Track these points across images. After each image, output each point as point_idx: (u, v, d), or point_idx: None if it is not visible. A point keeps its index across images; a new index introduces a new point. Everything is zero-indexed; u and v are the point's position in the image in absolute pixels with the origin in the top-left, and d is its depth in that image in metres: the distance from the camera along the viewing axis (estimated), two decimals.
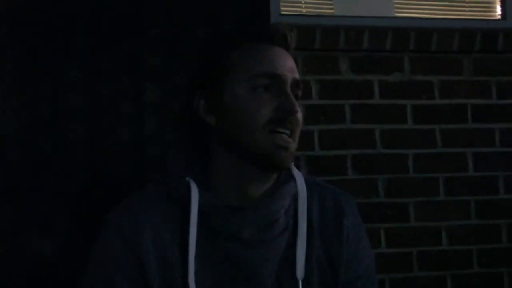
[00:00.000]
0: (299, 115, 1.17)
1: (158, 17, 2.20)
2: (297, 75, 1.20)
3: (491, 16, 2.68)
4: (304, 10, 2.54)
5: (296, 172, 1.25)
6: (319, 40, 2.38)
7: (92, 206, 2.04)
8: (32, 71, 2.10)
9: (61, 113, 2.11)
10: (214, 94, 1.19)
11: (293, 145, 1.17)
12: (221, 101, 1.18)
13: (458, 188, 2.47)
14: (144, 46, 2.18)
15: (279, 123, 1.14)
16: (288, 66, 1.18)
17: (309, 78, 2.39)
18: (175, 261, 1.15)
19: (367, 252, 1.30)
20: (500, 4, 2.66)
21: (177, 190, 1.18)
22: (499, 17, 2.66)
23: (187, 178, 1.18)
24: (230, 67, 1.18)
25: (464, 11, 2.67)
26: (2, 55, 2.09)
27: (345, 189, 2.27)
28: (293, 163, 1.25)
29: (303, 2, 2.54)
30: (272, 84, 1.16)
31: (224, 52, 1.20)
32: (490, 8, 2.68)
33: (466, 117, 2.50)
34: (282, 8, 2.47)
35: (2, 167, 2.06)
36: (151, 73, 2.16)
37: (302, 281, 1.19)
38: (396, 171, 2.43)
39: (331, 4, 2.55)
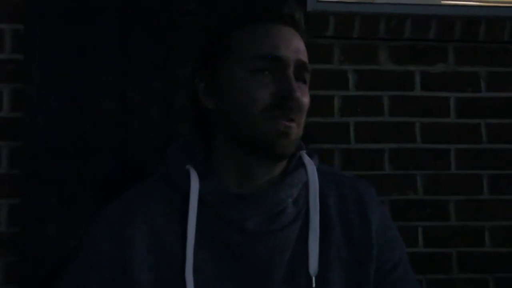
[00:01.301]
0: (304, 100, 1.10)
1: None
2: (303, 57, 1.11)
3: None
4: None
5: (307, 160, 1.17)
6: (358, 28, 2.29)
7: None
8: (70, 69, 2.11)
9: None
10: (214, 77, 1.13)
11: (296, 131, 1.10)
12: (221, 84, 1.12)
13: (504, 186, 2.33)
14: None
15: (278, 109, 1.07)
16: (293, 46, 1.10)
17: (346, 68, 2.30)
18: (174, 253, 1.10)
19: (399, 241, 1.22)
20: None
21: (177, 179, 1.13)
22: None
23: (187, 166, 1.13)
24: (231, 48, 1.11)
25: None
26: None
27: (381, 184, 2.28)
28: (304, 151, 1.19)
29: None
30: (273, 66, 1.08)
31: (225, 32, 1.13)
32: None
33: None
34: None
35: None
36: None
37: (316, 278, 1.10)
38: (436, 167, 2.32)
39: None
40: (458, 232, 2.30)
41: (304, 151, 1.19)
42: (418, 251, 2.27)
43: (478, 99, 2.36)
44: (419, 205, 2.29)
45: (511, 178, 2.34)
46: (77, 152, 2.12)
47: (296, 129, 1.09)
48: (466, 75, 2.36)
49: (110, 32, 2.15)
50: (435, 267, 2.28)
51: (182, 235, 1.09)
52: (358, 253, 1.14)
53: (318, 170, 1.18)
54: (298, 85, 1.10)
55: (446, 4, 2.45)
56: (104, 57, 2.15)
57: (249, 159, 1.11)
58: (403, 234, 2.23)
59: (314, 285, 1.10)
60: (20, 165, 2.09)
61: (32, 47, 2.10)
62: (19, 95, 2.11)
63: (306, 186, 1.15)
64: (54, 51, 2.12)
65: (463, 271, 2.29)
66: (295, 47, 1.10)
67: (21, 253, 2.07)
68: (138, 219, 1.11)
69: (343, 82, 2.29)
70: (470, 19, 2.34)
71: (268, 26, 1.11)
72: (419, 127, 2.32)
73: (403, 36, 2.32)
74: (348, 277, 1.13)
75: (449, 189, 2.31)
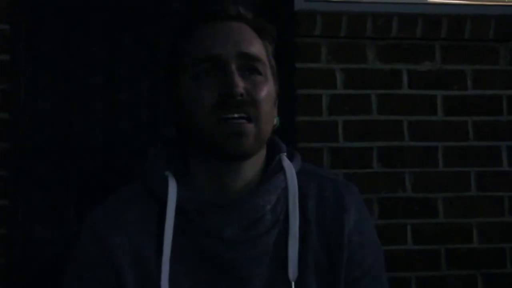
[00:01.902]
0: (257, 93, 1.06)
1: None
2: (246, 47, 1.07)
3: None
4: None
5: (287, 164, 1.14)
6: (345, 27, 2.30)
7: None
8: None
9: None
10: (172, 89, 1.12)
11: (253, 129, 1.05)
12: (176, 96, 1.11)
13: (491, 183, 2.35)
14: None
15: (224, 109, 1.04)
16: (231, 40, 1.07)
17: (334, 66, 2.30)
18: (152, 261, 1.08)
19: (373, 247, 1.17)
20: None
21: (155, 186, 1.11)
22: None
23: (166, 173, 1.11)
24: (180, 54, 1.10)
25: None
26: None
27: (370, 182, 2.29)
28: (284, 154, 1.16)
29: None
30: (213, 66, 1.06)
31: (174, 42, 1.12)
32: None
33: (501, 109, 2.38)
34: None
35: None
36: None
37: (295, 283, 1.09)
38: (424, 165, 2.33)
39: None
40: (447, 229, 2.31)
41: (284, 154, 1.16)
42: (408, 248, 2.28)
43: (464, 97, 2.37)
44: (408, 202, 2.30)
45: (497, 175, 2.36)
46: (65, 153, 2.11)
47: (253, 126, 1.05)
48: (452, 73, 2.37)
49: (97, 32, 2.14)
50: (424, 264, 2.29)
51: (159, 245, 1.08)
52: (332, 257, 1.12)
53: (301, 171, 1.16)
54: (248, 79, 1.07)
55: (432, 3, 2.46)
56: (91, 58, 2.14)
57: (216, 163, 1.08)
58: (392, 232, 2.26)
59: None
60: (7, 166, 2.07)
61: (19, 48, 2.09)
62: (6, 96, 2.09)
63: (285, 191, 1.12)
64: (41, 52, 2.12)
65: (451, 268, 2.30)
66: (234, 40, 1.07)
67: (9, 254, 2.06)
68: (118, 228, 1.10)
69: (331, 80, 2.30)
70: (456, 18, 2.36)
71: (205, 27, 1.09)
72: (407, 125, 2.33)
73: (390, 35, 2.33)
74: (322, 281, 1.11)
75: (437, 187, 2.33)
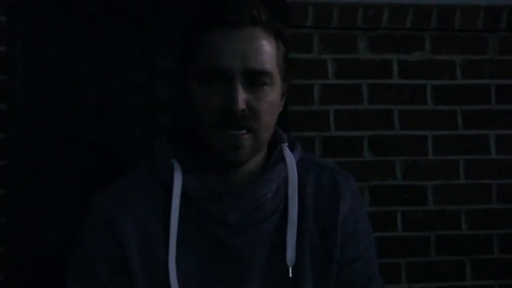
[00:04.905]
0: (259, 107, 1.08)
1: None
2: (252, 62, 1.07)
3: None
4: None
5: (288, 153, 1.19)
6: (336, 18, 2.33)
7: None
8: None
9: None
10: (184, 85, 1.15)
11: (251, 140, 1.10)
12: (185, 95, 1.14)
13: (479, 171, 2.40)
14: None
15: (225, 122, 1.07)
16: (239, 53, 1.07)
17: (325, 57, 2.33)
18: (159, 244, 1.13)
19: (366, 234, 1.24)
20: None
21: (161, 173, 1.16)
22: None
23: (172, 160, 1.16)
24: (191, 58, 1.12)
25: None
26: None
27: (361, 171, 2.33)
28: (285, 144, 1.21)
29: None
30: (219, 78, 1.07)
31: (185, 42, 1.14)
32: None
33: (489, 98, 2.42)
34: None
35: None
36: None
37: (292, 267, 1.15)
38: (414, 153, 2.37)
39: None
40: (436, 216, 2.36)
41: (285, 144, 1.21)
42: (398, 235, 2.33)
43: (454, 87, 2.41)
44: (398, 190, 2.35)
45: (485, 162, 2.40)
46: (61, 143, 2.14)
47: (252, 138, 1.10)
48: (442, 63, 2.41)
49: (92, 22, 2.17)
50: (414, 250, 2.34)
51: (166, 228, 1.13)
52: (326, 241, 1.18)
53: (301, 159, 1.21)
54: (252, 90, 1.08)
55: None
56: (87, 48, 2.17)
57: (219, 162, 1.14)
58: (383, 219, 2.30)
59: (290, 274, 1.15)
60: (5, 156, 2.11)
61: (15, 38, 2.11)
62: (2, 86, 2.12)
63: (285, 179, 1.17)
64: (37, 42, 2.14)
65: (440, 254, 2.35)
66: (243, 53, 1.07)
67: (8, 243, 2.10)
68: (125, 211, 1.14)
69: (323, 71, 2.33)
70: (446, 8, 2.39)
71: (216, 34, 1.08)
72: (397, 114, 2.37)
73: (380, 26, 2.36)
74: (317, 264, 1.17)
75: (427, 175, 2.37)
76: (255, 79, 1.09)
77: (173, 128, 1.23)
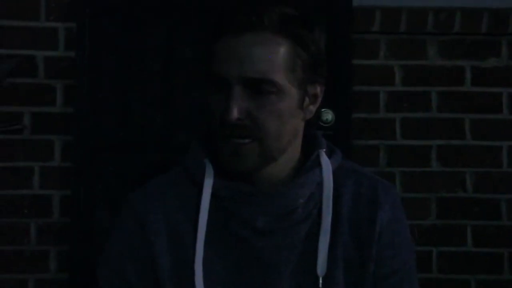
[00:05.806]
0: (260, 115, 1.06)
1: None
2: (248, 70, 1.04)
3: None
4: None
5: (324, 160, 1.15)
6: (405, 23, 2.26)
7: None
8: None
9: None
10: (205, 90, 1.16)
11: (256, 148, 1.07)
12: (205, 97, 1.14)
13: None
14: None
15: (223, 131, 1.07)
16: (236, 60, 1.05)
17: (392, 63, 2.27)
18: (188, 245, 1.12)
19: (405, 248, 1.17)
20: None
21: (194, 172, 1.15)
22: None
23: (205, 160, 1.15)
24: (206, 64, 1.12)
25: None
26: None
27: (428, 181, 2.24)
28: (323, 150, 1.17)
29: None
30: (220, 86, 1.06)
31: (205, 47, 1.14)
32: None
33: None
34: None
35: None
36: None
37: (323, 278, 1.10)
38: (487, 164, 2.26)
39: None
40: (510, 231, 2.24)
41: (323, 149, 1.17)
42: (467, 250, 2.24)
43: None
44: (468, 203, 2.25)
45: None
46: (126, 146, 2.21)
47: (257, 148, 1.07)
48: None
49: (155, 31, 2.22)
50: (485, 267, 2.24)
51: (196, 229, 1.12)
52: (362, 252, 1.13)
53: (340, 167, 1.17)
54: (253, 98, 1.06)
55: None
56: (151, 52, 2.22)
57: None
58: (450, 233, 2.21)
59: (320, 285, 1.10)
60: (71, 158, 2.19)
61: (83, 45, 2.19)
62: (71, 91, 2.20)
63: (320, 186, 1.14)
64: (104, 48, 2.21)
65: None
66: (239, 60, 1.05)
67: (72, 242, 2.18)
68: (156, 209, 1.14)
69: (389, 77, 2.26)
70: None
71: (223, 40, 1.07)
72: (468, 123, 2.27)
73: (452, 30, 2.27)
74: (350, 276, 1.13)
75: (501, 188, 2.25)
76: (259, 87, 1.06)
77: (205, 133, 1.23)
